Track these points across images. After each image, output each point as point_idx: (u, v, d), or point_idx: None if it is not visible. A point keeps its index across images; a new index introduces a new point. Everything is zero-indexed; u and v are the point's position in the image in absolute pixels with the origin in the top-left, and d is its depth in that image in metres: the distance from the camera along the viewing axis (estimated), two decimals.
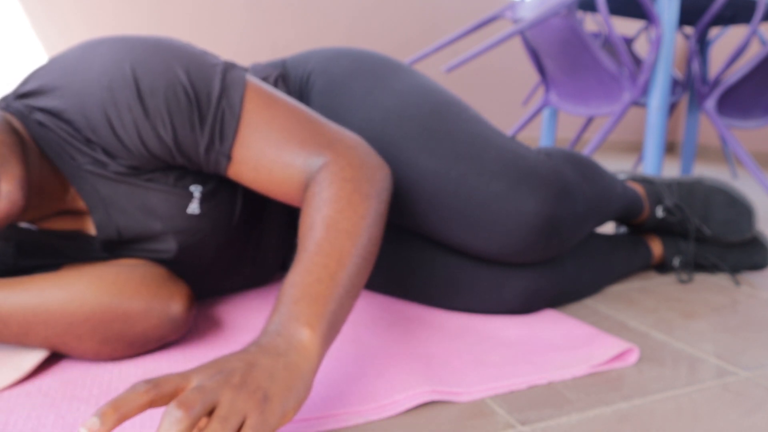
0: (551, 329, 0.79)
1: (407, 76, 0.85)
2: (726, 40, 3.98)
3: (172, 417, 0.39)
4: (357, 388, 0.61)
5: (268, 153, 0.62)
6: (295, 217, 0.89)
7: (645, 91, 1.78)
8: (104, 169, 0.63)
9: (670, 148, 4.50)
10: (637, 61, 2.37)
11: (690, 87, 2.20)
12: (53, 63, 0.61)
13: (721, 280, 1.09)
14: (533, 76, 4.19)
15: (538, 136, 4.20)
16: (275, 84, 0.83)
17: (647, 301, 0.95)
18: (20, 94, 0.62)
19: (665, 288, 1.03)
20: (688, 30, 3.70)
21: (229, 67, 0.63)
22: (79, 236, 0.68)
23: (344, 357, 0.68)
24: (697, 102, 2.19)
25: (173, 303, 0.64)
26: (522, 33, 1.92)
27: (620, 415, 0.59)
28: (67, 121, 0.60)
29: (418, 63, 3.83)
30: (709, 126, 4.14)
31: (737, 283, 1.05)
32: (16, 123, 0.61)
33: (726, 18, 2.05)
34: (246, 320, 0.79)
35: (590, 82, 1.80)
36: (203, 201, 0.69)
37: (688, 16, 2.07)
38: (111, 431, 0.38)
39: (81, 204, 0.66)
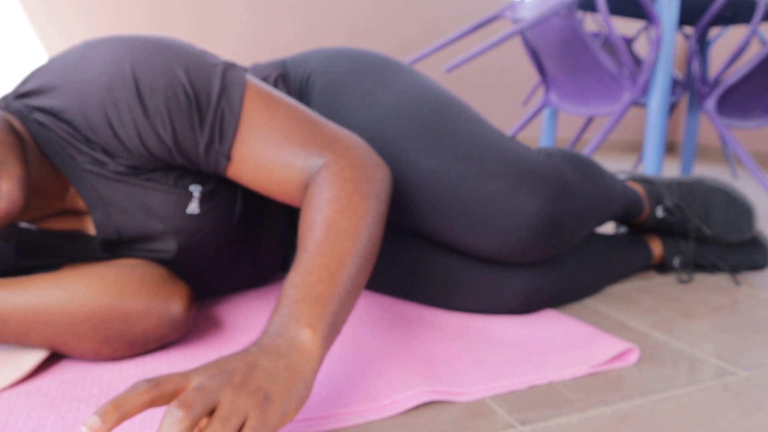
0: (551, 329, 0.79)
1: (407, 76, 0.85)
2: (726, 40, 3.98)
3: (173, 417, 0.39)
4: (357, 388, 0.61)
5: (267, 153, 0.62)
6: (295, 217, 0.89)
7: (645, 91, 1.78)
8: (104, 169, 0.63)
9: (670, 148, 4.50)
10: (637, 61, 2.37)
11: (690, 87, 2.20)
12: (53, 63, 0.61)
13: (721, 280, 1.09)
14: (533, 76, 4.19)
15: (538, 136, 4.20)
16: (275, 84, 0.83)
17: (647, 301, 0.95)
18: (20, 94, 0.62)
19: (665, 288, 1.03)
20: (688, 30, 3.70)
21: (228, 67, 0.63)
22: (79, 236, 0.68)
23: (344, 357, 0.68)
24: (697, 102, 2.19)
25: (173, 303, 0.64)
26: (522, 33, 1.92)
27: (620, 415, 0.59)
28: (67, 121, 0.60)
29: (418, 63, 3.83)
30: (709, 126, 4.14)
31: (737, 283, 1.05)
32: (16, 123, 0.61)
33: (726, 18, 2.05)
34: (246, 320, 0.79)
35: (590, 82, 1.80)
36: (203, 201, 0.69)
37: (688, 16, 2.07)
38: (112, 430, 0.38)
39: (81, 204, 0.66)
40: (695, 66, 2.00)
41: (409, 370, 0.64)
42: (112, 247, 0.68)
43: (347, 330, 0.76)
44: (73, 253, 0.69)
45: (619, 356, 0.73)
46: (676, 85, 2.26)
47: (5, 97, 0.64)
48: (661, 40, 1.72)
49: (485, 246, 0.77)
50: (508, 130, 4.14)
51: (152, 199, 0.66)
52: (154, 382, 0.41)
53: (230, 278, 0.84)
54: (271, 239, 0.86)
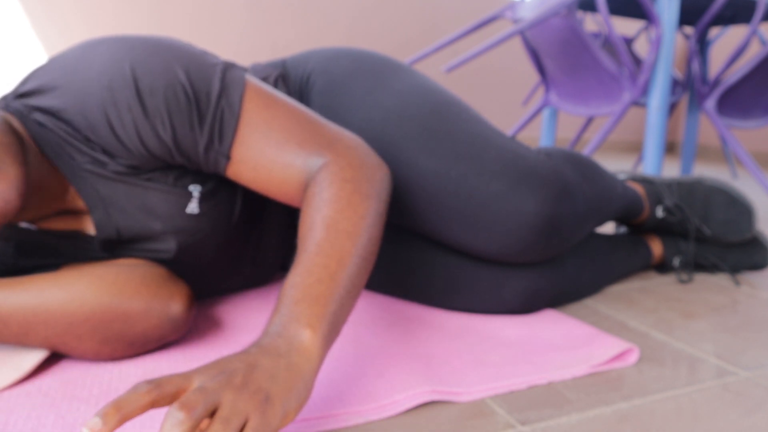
0: (551, 329, 0.79)
1: (407, 76, 0.85)
2: (726, 40, 3.98)
3: (174, 419, 0.39)
4: (357, 388, 0.61)
5: (267, 153, 0.62)
6: (295, 217, 0.89)
7: (645, 91, 1.78)
8: (103, 169, 0.63)
9: (670, 148, 4.50)
10: (637, 61, 2.37)
11: (690, 87, 2.20)
12: (53, 62, 0.61)
13: (721, 280, 1.09)
14: (533, 76, 4.19)
15: (538, 136, 4.20)
16: (275, 84, 0.83)
17: (647, 301, 0.95)
18: (20, 94, 0.62)
19: (665, 288, 1.03)
20: (688, 30, 3.70)
21: (228, 67, 0.63)
22: (79, 236, 0.68)
23: (344, 357, 0.68)
24: (697, 102, 2.19)
25: (173, 303, 0.64)
26: (522, 33, 1.92)
27: (620, 415, 0.59)
28: (67, 121, 0.60)
29: (418, 63, 3.83)
30: (709, 126, 4.14)
31: (737, 283, 1.05)
32: (16, 123, 0.61)
33: (726, 18, 2.05)
34: (246, 320, 0.79)
35: (590, 82, 1.80)
36: (202, 200, 0.69)
37: (688, 16, 2.07)
38: (113, 431, 0.38)
39: (80, 203, 0.66)
40: (695, 66, 2.00)
41: (409, 370, 0.64)
42: (112, 246, 0.68)
43: (347, 330, 0.76)
44: (72, 253, 0.69)
45: (619, 356, 0.73)
46: (676, 85, 2.26)
47: (5, 97, 0.64)
48: (661, 40, 1.72)
49: (485, 246, 0.77)
50: (508, 130, 4.14)
51: (152, 199, 0.66)
52: (155, 383, 0.41)
53: (230, 278, 0.84)
54: (271, 239, 0.86)
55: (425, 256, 0.84)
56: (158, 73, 0.58)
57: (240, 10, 3.38)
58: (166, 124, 0.59)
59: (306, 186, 0.62)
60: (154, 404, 0.41)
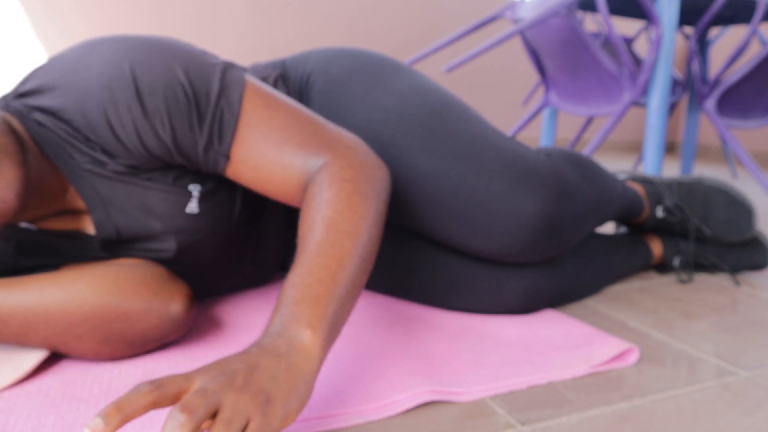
0: (551, 329, 0.79)
1: (407, 76, 0.85)
2: (726, 40, 3.98)
3: (176, 421, 0.38)
4: (357, 388, 0.61)
5: (267, 153, 0.62)
6: (294, 217, 0.89)
7: (645, 91, 1.78)
8: (103, 168, 0.63)
9: (670, 148, 4.50)
10: (637, 61, 2.37)
11: (690, 87, 2.20)
12: (52, 62, 0.61)
13: (721, 280, 1.09)
14: (533, 76, 4.19)
15: (538, 136, 4.20)
16: (275, 84, 0.83)
17: (647, 301, 0.95)
18: (19, 94, 0.62)
19: (665, 288, 1.03)
20: (688, 30, 3.70)
21: (228, 67, 0.63)
22: (79, 236, 0.68)
23: (344, 357, 0.68)
24: (697, 102, 2.19)
25: (173, 303, 0.64)
26: (522, 33, 1.92)
27: (620, 415, 0.59)
28: (66, 121, 0.60)
29: (418, 63, 3.83)
30: (709, 126, 4.14)
31: (737, 283, 1.05)
32: (15, 122, 0.61)
33: (726, 18, 2.05)
34: (246, 320, 0.79)
35: (590, 82, 1.80)
36: (202, 200, 0.69)
37: (688, 16, 2.07)
38: None
39: (80, 203, 0.66)
40: (695, 66, 2.00)
41: (409, 370, 0.64)
42: (112, 246, 0.68)
43: (347, 330, 0.76)
44: (72, 252, 0.69)
45: (619, 356, 0.73)
46: (676, 85, 2.26)
47: (5, 97, 0.64)
48: (661, 40, 1.72)
49: (485, 246, 0.77)
50: (508, 130, 4.14)
51: (151, 199, 0.66)
52: (156, 384, 0.41)
53: (230, 278, 0.84)
54: (271, 239, 0.86)
55: (425, 256, 0.84)
56: (158, 73, 0.58)
57: (240, 10, 3.38)
58: (166, 124, 0.59)
59: (306, 186, 0.62)
60: (156, 405, 0.41)
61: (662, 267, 1.10)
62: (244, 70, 0.64)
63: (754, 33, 1.78)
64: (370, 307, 0.85)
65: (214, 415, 0.41)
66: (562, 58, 1.81)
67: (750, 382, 0.68)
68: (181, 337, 0.71)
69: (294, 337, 0.49)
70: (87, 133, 0.60)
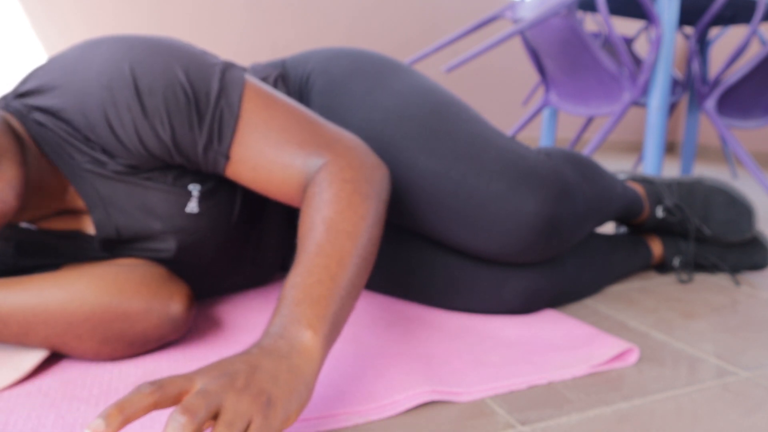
0: (551, 329, 0.79)
1: (407, 76, 0.85)
2: (726, 40, 3.98)
3: (177, 423, 0.38)
4: (357, 388, 0.61)
5: (266, 153, 0.62)
6: (294, 216, 0.89)
7: (645, 91, 1.78)
8: (103, 168, 0.63)
9: (670, 148, 4.50)
10: (637, 61, 2.37)
11: (690, 87, 2.20)
12: (52, 62, 0.61)
13: (721, 280, 1.09)
14: (533, 76, 4.19)
15: (538, 136, 4.20)
16: (275, 84, 0.83)
17: (647, 301, 0.95)
18: (19, 94, 0.62)
19: (665, 288, 1.03)
20: (688, 30, 3.70)
21: (228, 67, 0.63)
22: (79, 236, 0.68)
23: (344, 357, 0.68)
24: (697, 102, 2.19)
25: (173, 303, 0.64)
26: (522, 33, 1.92)
27: (620, 415, 0.59)
28: (66, 120, 0.60)
29: (418, 63, 3.83)
30: (709, 126, 4.14)
31: (737, 283, 1.05)
32: (15, 122, 0.61)
33: (726, 18, 2.05)
34: (246, 320, 0.79)
35: (590, 82, 1.80)
36: (202, 200, 0.69)
37: (688, 16, 2.07)
38: None
39: (80, 203, 0.66)
40: (695, 66, 2.00)
41: (409, 370, 0.64)
42: (112, 246, 0.68)
43: (347, 330, 0.76)
44: (72, 252, 0.69)
45: (619, 356, 0.73)
46: (676, 85, 2.26)
47: (5, 97, 0.64)
48: (661, 40, 1.72)
49: (485, 246, 0.77)
50: (508, 130, 4.14)
51: (151, 199, 0.66)
52: (157, 385, 0.41)
53: (230, 278, 0.84)
54: (270, 239, 0.86)
55: (425, 256, 0.84)
56: (158, 73, 0.58)
57: (240, 10, 3.38)
58: (165, 124, 0.59)
59: (305, 186, 0.62)
60: (157, 406, 0.41)
61: (662, 267, 1.10)
62: (244, 70, 0.64)
63: (754, 33, 1.78)
64: (370, 307, 0.85)
65: (215, 417, 0.41)
66: (562, 58, 1.81)
67: (750, 382, 0.68)
68: (181, 337, 0.71)
69: (295, 338, 0.49)
70: (87, 132, 0.60)
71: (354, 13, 3.63)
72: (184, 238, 0.69)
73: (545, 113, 2.27)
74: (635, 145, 4.59)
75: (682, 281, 1.06)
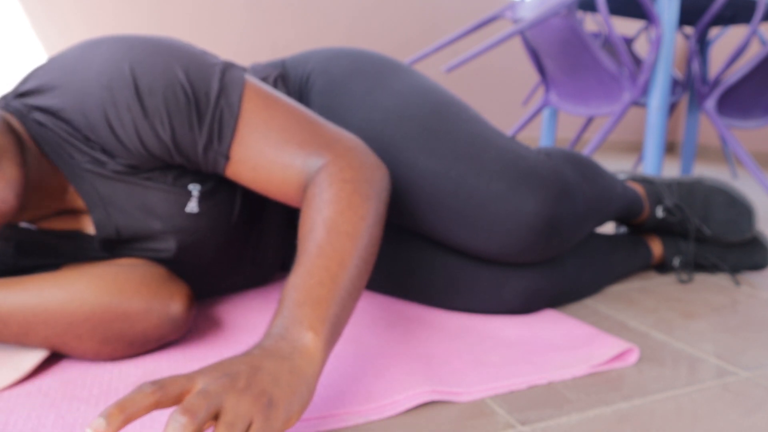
0: (551, 329, 0.79)
1: (407, 76, 0.85)
2: (726, 40, 3.98)
3: (177, 423, 0.38)
4: (357, 388, 0.61)
5: (266, 153, 0.62)
6: (294, 216, 0.89)
7: (645, 91, 1.78)
8: (103, 168, 0.63)
9: (670, 148, 4.50)
10: (637, 61, 2.37)
11: (690, 87, 2.20)
12: (52, 62, 0.61)
13: (721, 280, 1.09)
14: (533, 76, 4.19)
15: (538, 136, 4.20)
16: (275, 84, 0.83)
17: (647, 301, 0.95)
18: (19, 93, 0.62)
19: (665, 288, 1.03)
20: (688, 30, 3.70)
21: (228, 67, 0.63)
22: (79, 236, 0.68)
23: (344, 357, 0.68)
24: (697, 102, 2.19)
25: (173, 303, 0.64)
26: (522, 33, 1.92)
27: (620, 415, 0.59)
28: (66, 120, 0.60)
29: (418, 63, 3.83)
30: (709, 126, 4.14)
31: (737, 283, 1.05)
32: (15, 122, 0.61)
33: (726, 18, 2.05)
34: (246, 320, 0.79)
35: (590, 82, 1.80)
36: (202, 200, 0.69)
37: (688, 16, 2.07)
38: None
39: (80, 203, 0.66)
40: (695, 66, 2.00)
41: (409, 370, 0.64)
42: (112, 246, 0.68)
43: (347, 330, 0.76)
44: (72, 252, 0.69)
45: (619, 356, 0.73)
46: (676, 85, 2.26)
47: (5, 97, 0.64)
48: (661, 40, 1.72)
49: (485, 246, 0.77)
50: (508, 130, 4.14)
51: (151, 198, 0.66)
52: (158, 384, 0.41)
53: (230, 278, 0.84)
54: (270, 239, 0.86)
55: (425, 256, 0.84)
56: (158, 73, 0.58)
57: (240, 10, 3.38)
58: (165, 124, 0.59)
59: (305, 186, 0.62)
60: (158, 405, 0.41)
61: (662, 267, 1.10)
62: (243, 70, 0.64)
63: (754, 33, 1.78)
64: (370, 307, 0.85)
65: (216, 417, 0.41)
66: (562, 58, 1.81)
67: (750, 382, 0.68)
68: (181, 337, 0.71)
69: (296, 339, 0.49)
70: (87, 132, 0.60)
71: (354, 13, 3.63)
72: (184, 238, 0.69)
73: (545, 113, 2.27)
74: (635, 145, 4.59)
75: (682, 281, 1.06)
